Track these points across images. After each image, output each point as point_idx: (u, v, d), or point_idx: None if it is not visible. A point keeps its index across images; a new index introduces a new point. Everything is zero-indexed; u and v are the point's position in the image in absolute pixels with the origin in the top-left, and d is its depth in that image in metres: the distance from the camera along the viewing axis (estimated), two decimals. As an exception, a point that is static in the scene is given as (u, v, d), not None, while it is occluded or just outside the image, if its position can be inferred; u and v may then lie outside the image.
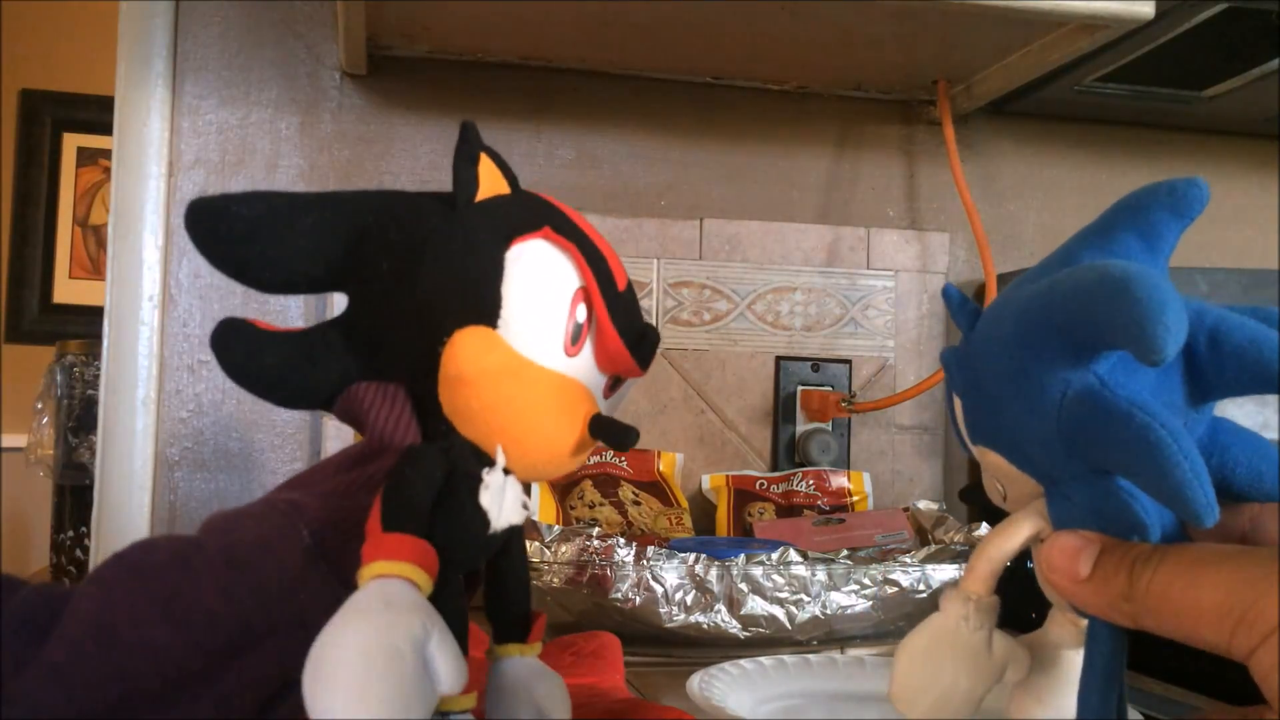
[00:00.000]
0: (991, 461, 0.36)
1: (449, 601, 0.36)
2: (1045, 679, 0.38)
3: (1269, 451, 0.35)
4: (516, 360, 0.38)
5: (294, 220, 0.40)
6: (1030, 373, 0.33)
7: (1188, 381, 0.34)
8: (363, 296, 0.40)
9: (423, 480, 0.35)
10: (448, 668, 0.32)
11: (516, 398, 0.38)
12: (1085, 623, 0.35)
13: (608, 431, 0.40)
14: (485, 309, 0.38)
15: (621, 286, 0.42)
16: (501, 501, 0.38)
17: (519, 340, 0.38)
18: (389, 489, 0.35)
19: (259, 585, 0.36)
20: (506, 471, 0.39)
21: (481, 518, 0.37)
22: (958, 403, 0.38)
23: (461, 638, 0.37)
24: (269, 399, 0.41)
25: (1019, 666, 0.37)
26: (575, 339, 0.40)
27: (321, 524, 0.37)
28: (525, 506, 0.40)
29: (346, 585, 0.33)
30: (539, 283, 0.39)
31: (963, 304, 0.39)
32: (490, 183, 0.40)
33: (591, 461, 0.95)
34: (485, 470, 0.38)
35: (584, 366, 0.40)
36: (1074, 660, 0.37)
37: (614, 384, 0.43)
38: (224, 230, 0.39)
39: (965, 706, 0.36)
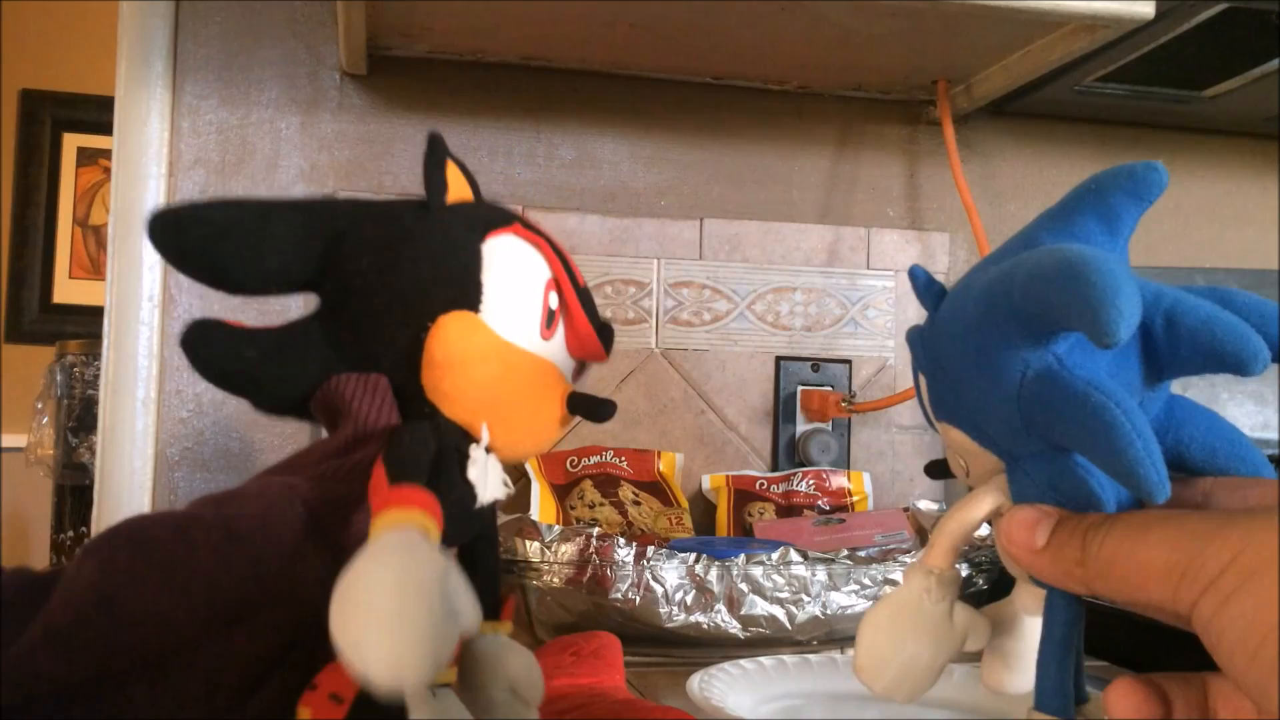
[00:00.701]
0: (954, 438, 0.37)
1: None
2: (1014, 645, 0.39)
3: (1223, 428, 0.36)
4: (499, 343, 0.40)
5: (268, 224, 0.40)
6: (991, 353, 0.34)
7: (1144, 361, 0.35)
8: (341, 292, 0.41)
9: (420, 443, 0.37)
10: (468, 606, 0.34)
11: (500, 378, 0.40)
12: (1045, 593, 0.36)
13: (585, 406, 0.43)
14: (468, 295, 0.40)
15: (582, 283, 0.45)
16: (486, 477, 0.40)
17: (499, 324, 0.40)
18: (390, 450, 0.36)
19: (257, 558, 0.36)
20: (488, 449, 0.41)
21: (470, 491, 0.39)
22: (922, 381, 0.39)
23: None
24: (250, 398, 0.41)
25: (979, 636, 0.38)
26: (549, 324, 0.42)
27: (316, 502, 0.38)
28: (506, 484, 0.41)
29: (341, 562, 0.33)
30: (514, 271, 0.42)
31: (928, 285, 0.40)
32: (457, 189, 0.43)
33: (592, 461, 0.95)
34: (471, 445, 0.40)
35: (556, 350, 0.43)
36: (1036, 625, 0.38)
37: (578, 370, 0.46)
38: (195, 235, 0.39)
39: (927, 676, 0.37)
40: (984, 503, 0.37)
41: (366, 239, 0.41)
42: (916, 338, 0.40)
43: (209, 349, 0.40)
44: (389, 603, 0.31)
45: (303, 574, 0.37)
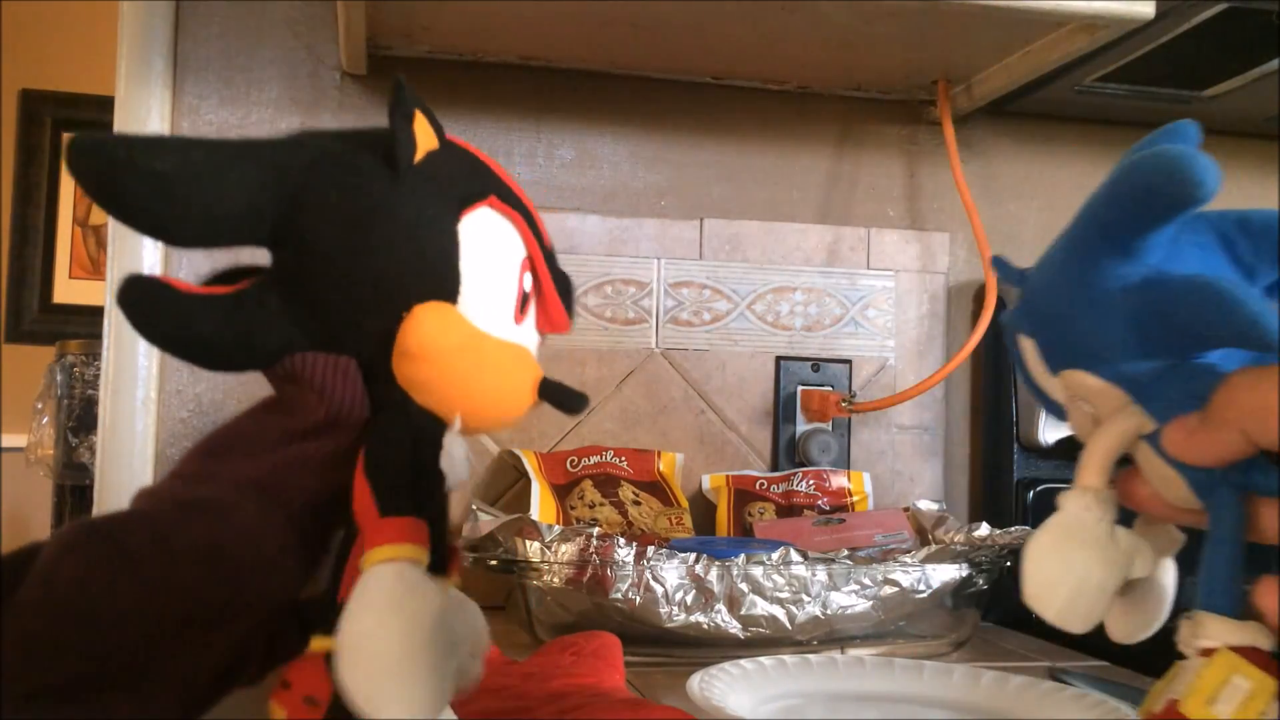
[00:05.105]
0: (1076, 382, 0.37)
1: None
2: (1140, 588, 0.38)
3: None
4: (475, 335, 0.39)
5: (217, 175, 0.36)
6: (1090, 281, 0.35)
7: (1233, 267, 0.36)
8: (303, 264, 0.38)
9: (403, 459, 0.37)
10: (463, 630, 0.36)
11: (475, 369, 0.39)
12: (1171, 530, 0.37)
13: (556, 395, 0.42)
14: (446, 286, 0.39)
15: (548, 241, 0.44)
16: (454, 464, 0.39)
17: (475, 313, 0.39)
18: (375, 473, 0.36)
19: (237, 573, 0.35)
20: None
21: (441, 479, 0.39)
22: (1029, 347, 0.39)
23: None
24: (197, 364, 0.38)
25: (1144, 561, 0.37)
26: (523, 307, 0.42)
27: (298, 509, 0.37)
28: (469, 460, 0.40)
29: (316, 562, 0.34)
30: (491, 256, 0.40)
31: (1009, 267, 0.42)
32: (424, 138, 0.40)
33: (592, 461, 0.95)
34: (445, 435, 0.39)
35: (527, 332, 0.42)
36: (1163, 568, 0.38)
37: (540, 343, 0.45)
38: (133, 186, 0.35)
39: (1099, 598, 0.36)
40: (1126, 422, 0.36)
41: (331, 207, 0.38)
42: (1010, 313, 0.40)
43: (153, 313, 0.36)
44: (398, 656, 0.32)
45: (279, 581, 0.37)
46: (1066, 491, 0.37)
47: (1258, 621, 0.33)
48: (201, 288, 0.37)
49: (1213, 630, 0.33)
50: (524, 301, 0.42)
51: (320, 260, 0.38)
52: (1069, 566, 0.36)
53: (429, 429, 0.39)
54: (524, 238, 0.42)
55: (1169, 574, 0.39)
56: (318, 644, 0.36)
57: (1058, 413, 0.40)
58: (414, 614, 0.33)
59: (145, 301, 0.36)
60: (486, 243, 0.40)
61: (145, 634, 0.34)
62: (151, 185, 0.35)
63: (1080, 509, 0.37)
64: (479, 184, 0.41)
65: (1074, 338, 0.37)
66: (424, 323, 0.38)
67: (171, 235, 0.37)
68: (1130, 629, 0.39)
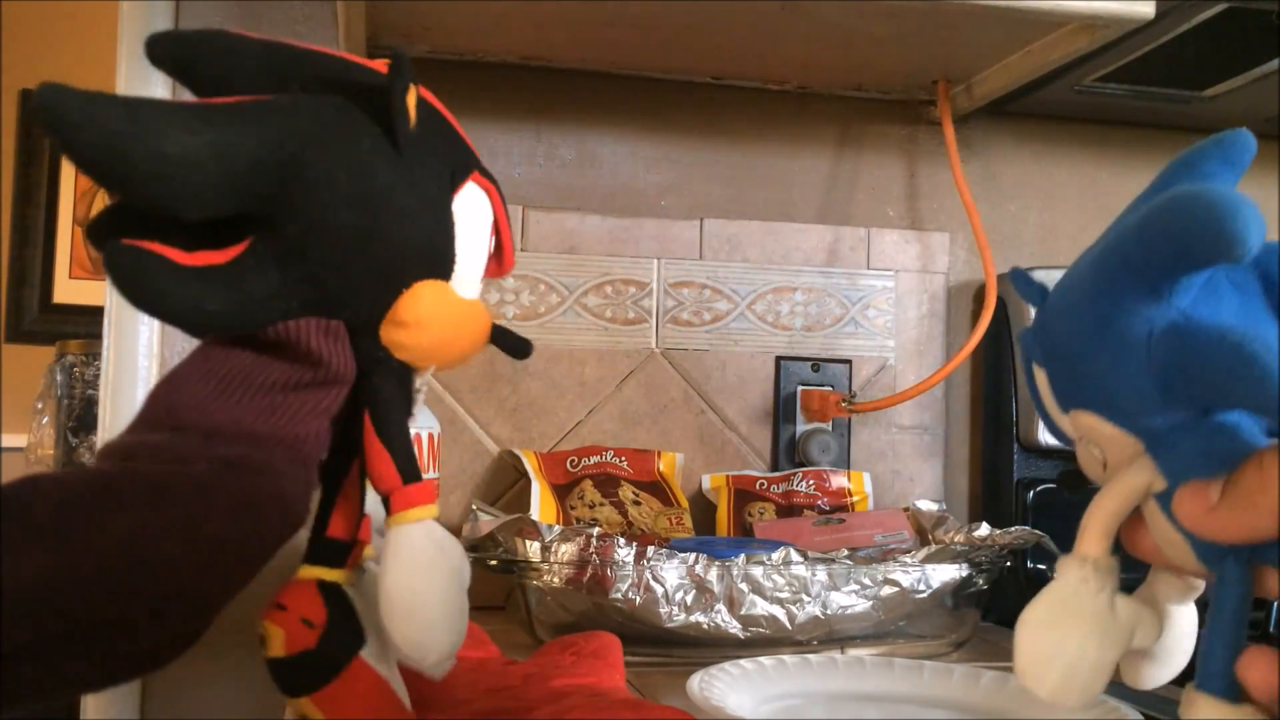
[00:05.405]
0: (1086, 425, 0.35)
1: None
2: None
3: None
4: (460, 304, 0.43)
5: (218, 157, 0.36)
6: (1112, 321, 0.33)
7: (1272, 308, 0.33)
8: (308, 239, 0.39)
9: (406, 423, 0.42)
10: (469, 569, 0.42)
11: (454, 332, 0.43)
12: (1189, 577, 0.34)
13: (507, 341, 0.48)
14: (444, 266, 0.42)
15: (501, 205, 0.46)
16: (419, 402, 0.44)
17: (459, 284, 0.43)
18: (391, 442, 0.41)
19: (270, 528, 0.38)
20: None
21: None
22: (1042, 377, 0.37)
23: None
24: (189, 333, 0.39)
25: (1148, 630, 0.36)
26: (486, 268, 0.46)
27: (314, 463, 0.41)
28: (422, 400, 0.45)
29: (297, 513, 0.39)
30: (475, 231, 0.44)
31: (1028, 281, 0.39)
32: (414, 108, 0.41)
33: (592, 461, 0.95)
34: (416, 388, 0.43)
35: (481, 284, 0.46)
36: (1182, 614, 0.37)
37: None
38: (137, 173, 0.35)
39: (1096, 676, 0.34)
40: (1134, 479, 0.34)
41: (336, 185, 0.38)
42: (1027, 334, 0.38)
43: (148, 284, 0.36)
44: (443, 610, 0.40)
45: (295, 525, 0.40)
46: (1065, 560, 0.36)
47: (1251, 705, 0.31)
48: (193, 256, 0.37)
49: (1205, 712, 0.32)
50: (488, 263, 0.46)
51: (328, 239, 0.39)
52: (1063, 643, 0.34)
53: (407, 382, 0.43)
54: (493, 204, 0.45)
55: (1188, 620, 0.37)
56: (310, 572, 0.42)
57: (1067, 443, 0.38)
58: (447, 570, 0.41)
59: (132, 267, 0.36)
60: (472, 219, 0.44)
61: (179, 577, 0.36)
62: (151, 170, 0.35)
63: (1078, 581, 0.35)
64: (461, 156, 0.44)
65: (1089, 379, 0.34)
66: (423, 298, 0.41)
67: (167, 212, 0.37)
68: (1146, 679, 0.37)
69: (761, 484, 0.98)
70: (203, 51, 0.41)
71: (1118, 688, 0.65)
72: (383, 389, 0.41)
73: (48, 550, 0.33)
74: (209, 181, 0.36)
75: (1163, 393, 0.32)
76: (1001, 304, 0.97)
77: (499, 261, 0.47)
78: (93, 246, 0.40)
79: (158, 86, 0.93)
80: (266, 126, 0.38)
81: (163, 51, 0.42)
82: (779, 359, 1.03)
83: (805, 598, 0.74)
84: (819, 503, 0.97)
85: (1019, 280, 0.39)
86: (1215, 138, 0.35)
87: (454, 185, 0.43)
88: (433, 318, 0.41)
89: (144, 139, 0.35)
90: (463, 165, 0.44)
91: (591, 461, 0.95)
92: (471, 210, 0.43)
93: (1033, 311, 0.38)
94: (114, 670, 0.36)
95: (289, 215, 0.38)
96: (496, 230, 0.46)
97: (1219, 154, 0.35)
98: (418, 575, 0.40)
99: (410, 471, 0.41)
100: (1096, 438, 0.35)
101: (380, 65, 0.42)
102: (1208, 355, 0.30)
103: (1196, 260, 0.31)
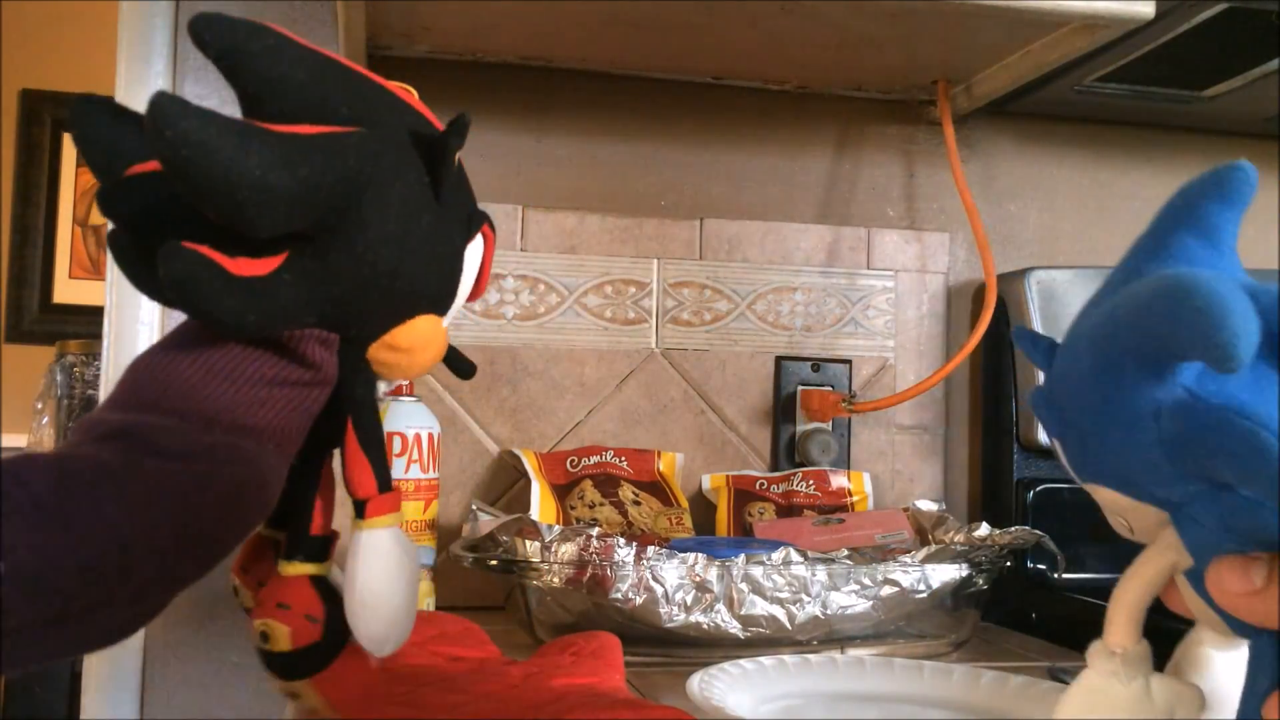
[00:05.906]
0: (1106, 498, 0.35)
1: None
2: (1207, 686, 0.37)
3: None
4: (442, 334, 0.47)
5: (308, 187, 0.38)
6: (1116, 400, 0.32)
7: (1273, 361, 0.32)
8: (343, 266, 0.41)
9: (382, 434, 0.46)
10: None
11: (427, 355, 0.47)
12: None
13: (456, 362, 0.53)
14: (446, 304, 0.47)
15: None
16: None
17: (448, 317, 0.48)
18: (371, 451, 0.45)
19: (250, 515, 0.41)
20: None
21: None
22: (1057, 445, 0.37)
23: None
24: (218, 332, 0.41)
25: (1188, 706, 0.35)
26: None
27: (292, 455, 0.43)
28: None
29: (272, 490, 0.42)
30: (471, 273, 0.48)
31: (1035, 342, 0.38)
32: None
33: (592, 461, 0.95)
34: (382, 396, 0.47)
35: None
36: (1229, 661, 0.36)
37: None
38: (245, 200, 0.37)
39: None
40: (1157, 563, 0.34)
41: (385, 226, 0.41)
42: (1039, 400, 0.37)
43: (205, 292, 0.38)
44: (405, 609, 0.44)
45: (264, 514, 0.42)
46: (1095, 648, 0.35)
47: None
48: (236, 264, 0.39)
49: None
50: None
51: (365, 271, 0.42)
52: None
53: (374, 390, 0.47)
54: (487, 248, 0.49)
55: (1239, 665, 0.36)
56: (300, 569, 0.45)
57: None
58: (409, 572, 0.44)
59: (198, 281, 0.38)
60: (472, 262, 0.48)
61: (163, 566, 0.37)
62: (259, 198, 0.37)
63: (1109, 674, 0.34)
64: (473, 206, 0.49)
65: (1102, 455, 0.34)
66: (419, 330, 0.45)
67: (250, 232, 0.39)
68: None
69: (761, 484, 0.98)
70: (254, 45, 0.41)
71: None
72: (366, 399, 0.45)
73: (48, 534, 0.34)
74: (294, 210, 0.39)
75: (1177, 471, 0.31)
76: (1001, 304, 0.97)
77: (473, 292, 0.51)
78: (106, 217, 0.43)
79: (157, 86, 0.93)
80: (346, 164, 0.40)
81: (211, 37, 0.41)
82: (779, 359, 1.03)
83: (805, 598, 0.74)
84: (819, 503, 0.97)
85: (1022, 340, 0.39)
86: (1215, 174, 0.34)
87: (469, 235, 0.47)
88: (423, 347, 0.46)
89: (252, 171, 0.37)
90: (477, 216, 0.48)
91: (591, 461, 0.95)
92: (473, 255, 0.48)
93: (1039, 319, 0.37)
94: (83, 644, 0.38)
95: (337, 244, 0.41)
96: (482, 267, 0.50)
97: (1219, 194, 0.34)
98: (388, 577, 0.43)
99: (385, 480, 0.45)
100: (1118, 510, 0.35)
101: (400, 90, 0.46)
102: (1218, 440, 0.29)
103: (1190, 360, 0.30)
